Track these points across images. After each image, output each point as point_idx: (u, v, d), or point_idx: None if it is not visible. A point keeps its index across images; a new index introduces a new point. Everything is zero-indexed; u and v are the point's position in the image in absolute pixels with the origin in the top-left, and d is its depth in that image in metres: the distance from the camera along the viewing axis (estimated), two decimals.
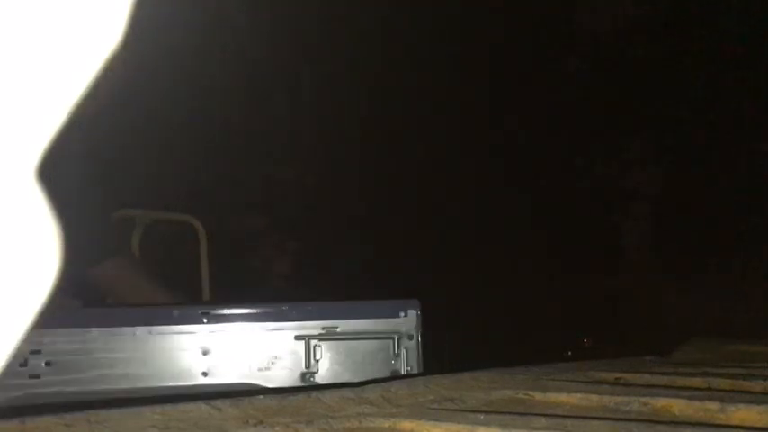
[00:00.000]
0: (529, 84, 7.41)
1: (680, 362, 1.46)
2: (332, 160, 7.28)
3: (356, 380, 1.36)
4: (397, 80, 7.12)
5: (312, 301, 1.70)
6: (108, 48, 0.35)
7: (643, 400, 0.93)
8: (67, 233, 0.36)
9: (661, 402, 0.92)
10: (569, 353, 6.25)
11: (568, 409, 0.95)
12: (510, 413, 0.89)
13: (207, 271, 2.82)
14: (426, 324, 1.66)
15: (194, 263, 2.82)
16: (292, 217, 7.39)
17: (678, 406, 0.91)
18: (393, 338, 1.64)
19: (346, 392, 0.97)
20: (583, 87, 7.68)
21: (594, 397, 0.97)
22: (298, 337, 1.63)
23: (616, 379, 1.16)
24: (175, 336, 1.61)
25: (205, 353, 1.61)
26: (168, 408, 0.84)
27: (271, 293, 7.08)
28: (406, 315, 1.65)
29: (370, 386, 1.01)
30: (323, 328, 1.64)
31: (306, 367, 1.63)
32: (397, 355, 1.63)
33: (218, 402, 0.88)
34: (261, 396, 0.93)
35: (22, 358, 1.51)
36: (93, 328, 1.57)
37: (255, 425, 0.83)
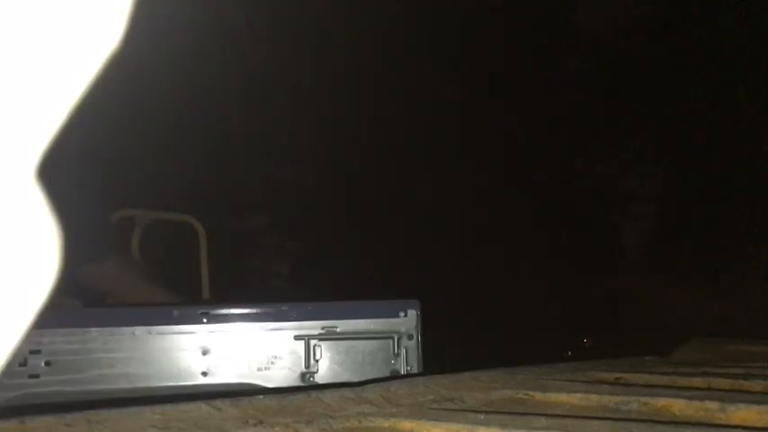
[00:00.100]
0: (529, 84, 7.41)
1: (680, 362, 1.46)
2: (332, 160, 7.28)
3: (356, 380, 1.36)
4: (397, 80, 7.12)
5: (312, 301, 1.70)
6: (108, 48, 0.35)
7: (643, 400, 0.93)
8: (67, 233, 0.36)
9: (661, 402, 0.92)
10: (569, 353, 6.25)
11: (568, 409, 0.95)
12: (510, 413, 0.89)
13: (207, 271, 2.82)
14: (426, 324, 1.66)
15: (194, 263, 2.82)
16: (292, 217, 7.39)
17: (678, 406, 0.91)
18: (393, 338, 1.64)
19: (346, 392, 0.97)
20: (583, 87, 7.69)
21: (594, 397, 0.97)
22: (297, 337, 1.63)
23: (616, 379, 1.16)
24: (175, 336, 1.61)
25: (205, 353, 1.61)
26: (168, 408, 0.84)
27: (270, 293, 7.08)
28: (406, 315, 1.65)
29: (369, 386, 1.01)
30: (323, 328, 1.64)
31: (305, 367, 1.63)
32: (397, 355, 1.63)
33: (218, 402, 0.88)
34: (261, 396, 0.93)
35: (21, 358, 1.51)
36: (93, 328, 1.57)
37: (255, 425, 0.83)
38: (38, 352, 1.53)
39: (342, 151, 7.19)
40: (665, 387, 1.06)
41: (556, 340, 6.59)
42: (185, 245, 2.95)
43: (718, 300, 6.52)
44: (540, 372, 1.19)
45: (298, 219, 7.33)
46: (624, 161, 7.92)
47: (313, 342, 1.63)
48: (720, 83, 7.19)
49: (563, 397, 0.99)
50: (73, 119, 0.35)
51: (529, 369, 1.21)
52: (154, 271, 2.45)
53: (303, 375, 1.63)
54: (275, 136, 7.17)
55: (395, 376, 1.57)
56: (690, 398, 0.92)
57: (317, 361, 1.63)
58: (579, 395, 0.99)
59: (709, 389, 1.05)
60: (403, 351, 1.64)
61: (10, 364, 0.35)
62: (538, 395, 1.00)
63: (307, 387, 1.48)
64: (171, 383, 1.59)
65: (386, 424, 0.86)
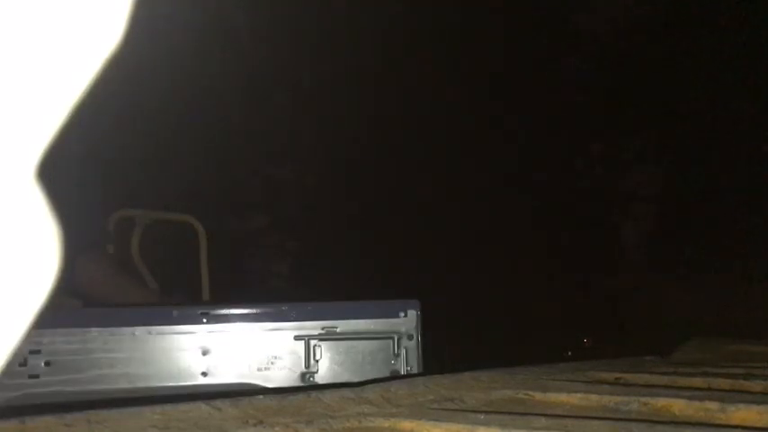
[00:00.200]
0: (529, 84, 7.41)
1: (680, 362, 1.46)
2: (332, 160, 7.28)
3: (356, 380, 1.36)
4: (397, 80, 7.12)
5: (312, 302, 1.70)
6: (108, 48, 0.35)
7: (643, 400, 0.93)
8: (67, 233, 0.36)
9: (661, 402, 0.92)
10: (569, 353, 6.24)
11: (568, 409, 0.95)
12: (510, 413, 0.89)
13: (206, 271, 2.82)
14: (426, 324, 1.66)
15: (194, 263, 2.82)
16: (292, 217, 7.39)
17: (678, 406, 0.91)
18: (393, 338, 1.64)
19: (346, 392, 0.97)
20: (583, 87, 7.69)
21: (594, 397, 0.97)
22: (297, 338, 1.63)
23: (616, 379, 1.16)
24: (175, 336, 1.61)
25: (205, 353, 1.61)
26: (168, 408, 0.84)
27: (270, 293, 7.08)
28: (406, 315, 1.65)
29: (370, 386, 1.01)
30: (323, 329, 1.64)
31: (305, 367, 1.63)
32: (397, 355, 1.63)
33: (218, 402, 0.88)
34: (261, 396, 0.93)
35: (21, 358, 1.51)
36: (93, 328, 1.57)
37: (255, 425, 0.83)
38: (38, 352, 1.53)
39: (342, 151, 7.19)
40: (665, 387, 1.06)
41: (556, 340, 6.58)
42: (185, 245, 2.94)
43: (718, 300, 6.51)
44: (540, 372, 1.19)
45: (298, 219, 7.34)
46: (624, 161, 7.92)
47: (313, 342, 1.63)
48: (720, 83, 7.19)
49: (563, 397, 0.99)
50: (73, 119, 0.35)
51: (529, 369, 1.21)
52: (128, 266, 2.44)
53: (303, 375, 1.63)
54: (275, 136, 7.17)
55: (395, 376, 1.57)
56: (690, 398, 0.92)
57: (317, 361, 1.63)
58: (579, 395, 0.99)
59: (709, 389, 1.05)
60: (403, 351, 1.64)
61: (10, 364, 0.35)
62: (538, 395, 1.00)
63: (307, 387, 1.48)
64: (171, 383, 1.59)
65: (386, 424, 0.86)
